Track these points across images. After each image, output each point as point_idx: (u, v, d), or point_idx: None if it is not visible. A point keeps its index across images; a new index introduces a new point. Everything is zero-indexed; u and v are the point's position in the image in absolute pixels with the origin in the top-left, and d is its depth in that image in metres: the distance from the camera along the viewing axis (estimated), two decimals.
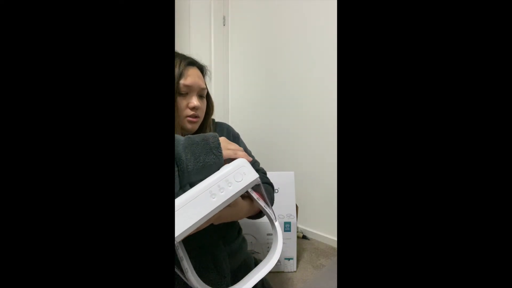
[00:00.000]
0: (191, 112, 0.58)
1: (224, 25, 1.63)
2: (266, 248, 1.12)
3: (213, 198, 0.38)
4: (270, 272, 1.12)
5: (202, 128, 0.65)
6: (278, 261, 1.14)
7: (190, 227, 0.35)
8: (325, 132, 1.31)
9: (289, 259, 1.14)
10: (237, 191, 0.40)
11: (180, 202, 0.36)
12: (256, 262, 0.71)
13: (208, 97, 0.66)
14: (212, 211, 0.37)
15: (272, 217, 0.49)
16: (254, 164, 0.71)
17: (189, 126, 0.60)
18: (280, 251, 0.44)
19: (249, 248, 1.06)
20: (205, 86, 0.61)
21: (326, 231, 1.37)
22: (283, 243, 1.13)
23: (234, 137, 0.71)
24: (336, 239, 1.28)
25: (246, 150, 0.72)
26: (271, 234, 1.11)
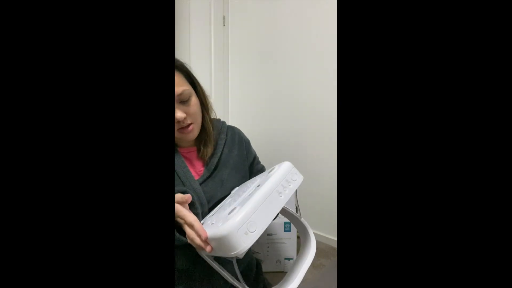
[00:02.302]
0: (179, 125, 0.54)
1: (224, 25, 1.63)
2: (266, 248, 1.12)
3: (280, 196, 0.42)
4: (270, 272, 1.12)
5: (203, 130, 0.60)
6: (278, 261, 1.14)
7: (267, 224, 0.39)
8: (325, 132, 1.31)
9: (289, 259, 1.14)
10: (295, 189, 0.46)
11: (255, 202, 0.39)
12: (258, 263, 0.70)
13: (198, 94, 0.58)
14: (280, 208, 0.42)
15: (298, 215, 0.53)
16: (262, 169, 0.71)
17: (186, 137, 0.56)
18: (315, 245, 0.49)
19: None
20: (182, 90, 0.52)
21: (326, 231, 1.37)
22: (283, 243, 1.13)
23: (246, 143, 0.69)
24: (336, 239, 1.28)
25: (255, 155, 0.71)
26: (271, 234, 1.12)
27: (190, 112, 0.54)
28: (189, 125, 0.54)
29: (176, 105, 0.52)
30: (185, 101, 0.54)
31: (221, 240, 0.36)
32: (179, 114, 0.52)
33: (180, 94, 0.52)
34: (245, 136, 0.70)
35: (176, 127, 0.53)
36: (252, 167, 0.68)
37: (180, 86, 0.53)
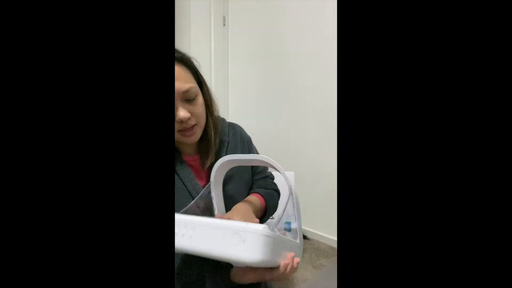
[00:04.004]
0: (181, 126, 0.48)
1: (224, 25, 1.64)
2: None
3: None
4: None
5: (205, 137, 0.56)
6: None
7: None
8: (325, 132, 1.31)
9: None
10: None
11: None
12: None
13: (204, 93, 0.53)
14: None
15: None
16: (264, 170, 0.70)
17: (187, 140, 0.51)
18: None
19: None
20: (189, 87, 0.47)
21: (326, 231, 1.37)
22: None
23: (248, 142, 0.67)
24: (336, 239, 1.28)
25: (256, 153, 0.69)
26: None
27: (195, 112, 0.49)
28: (192, 127, 0.49)
29: (180, 103, 0.47)
30: (190, 100, 0.48)
31: None
32: (182, 113, 0.46)
33: (187, 91, 0.46)
34: (246, 135, 0.68)
35: (177, 128, 0.48)
36: (253, 167, 0.66)
37: (187, 82, 0.47)
